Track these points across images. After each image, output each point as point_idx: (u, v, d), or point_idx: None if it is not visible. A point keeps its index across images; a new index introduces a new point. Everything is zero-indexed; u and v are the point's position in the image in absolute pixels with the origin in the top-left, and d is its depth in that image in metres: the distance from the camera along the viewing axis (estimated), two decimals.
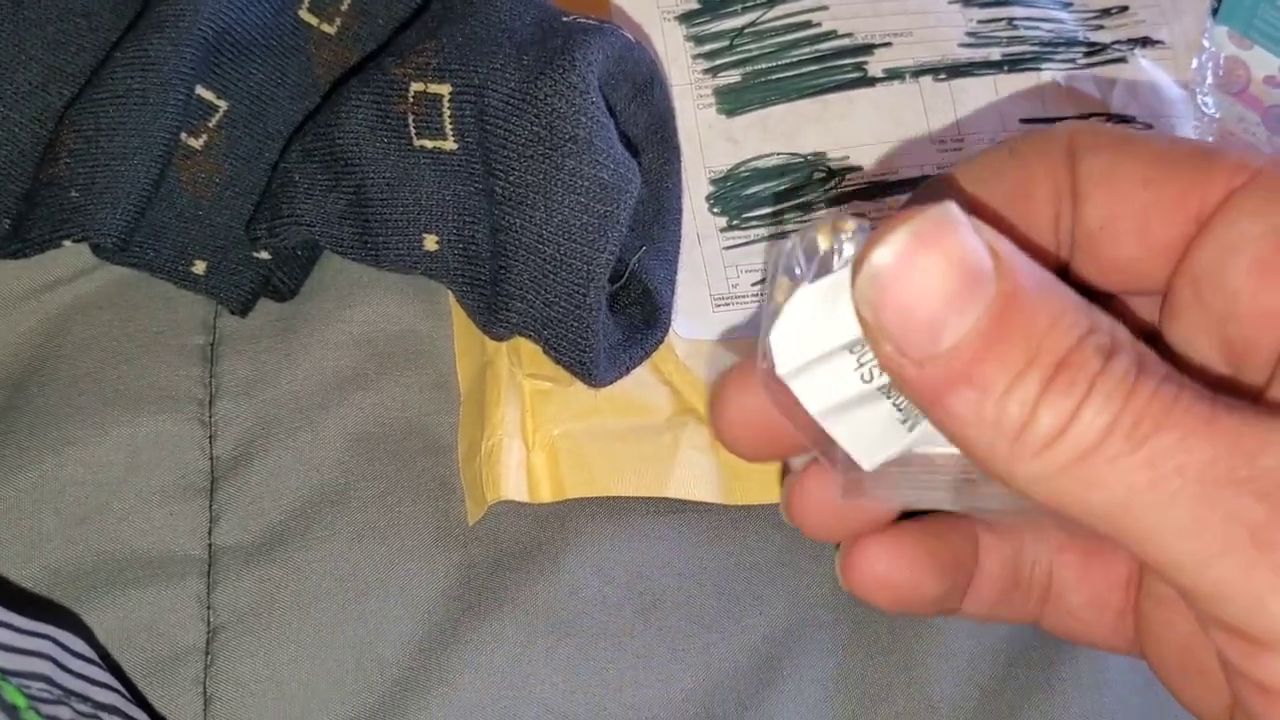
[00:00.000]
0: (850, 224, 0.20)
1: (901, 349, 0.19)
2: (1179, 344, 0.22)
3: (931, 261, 0.18)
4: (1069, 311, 0.18)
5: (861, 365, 0.21)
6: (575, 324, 0.32)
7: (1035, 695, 0.35)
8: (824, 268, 0.20)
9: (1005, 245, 0.19)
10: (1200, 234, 0.21)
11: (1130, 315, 0.23)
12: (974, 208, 0.21)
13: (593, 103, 0.31)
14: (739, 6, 0.40)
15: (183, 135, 0.35)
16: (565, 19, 0.33)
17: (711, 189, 0.38)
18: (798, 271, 0.21)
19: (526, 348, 0.35)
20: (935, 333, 0.18)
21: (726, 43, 0.40)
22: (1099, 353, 0.18)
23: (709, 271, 0.37)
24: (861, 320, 0.19)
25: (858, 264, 0.19)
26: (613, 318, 0.34)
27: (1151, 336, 0.23)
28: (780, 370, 0.20)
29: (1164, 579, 0.19)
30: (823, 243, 0.20)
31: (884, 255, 0.18)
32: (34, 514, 0.34)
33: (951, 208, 0.18)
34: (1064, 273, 0.23)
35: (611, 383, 0.34)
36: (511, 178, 0.31)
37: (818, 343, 0.20)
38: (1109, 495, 0.18)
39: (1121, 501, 0.18)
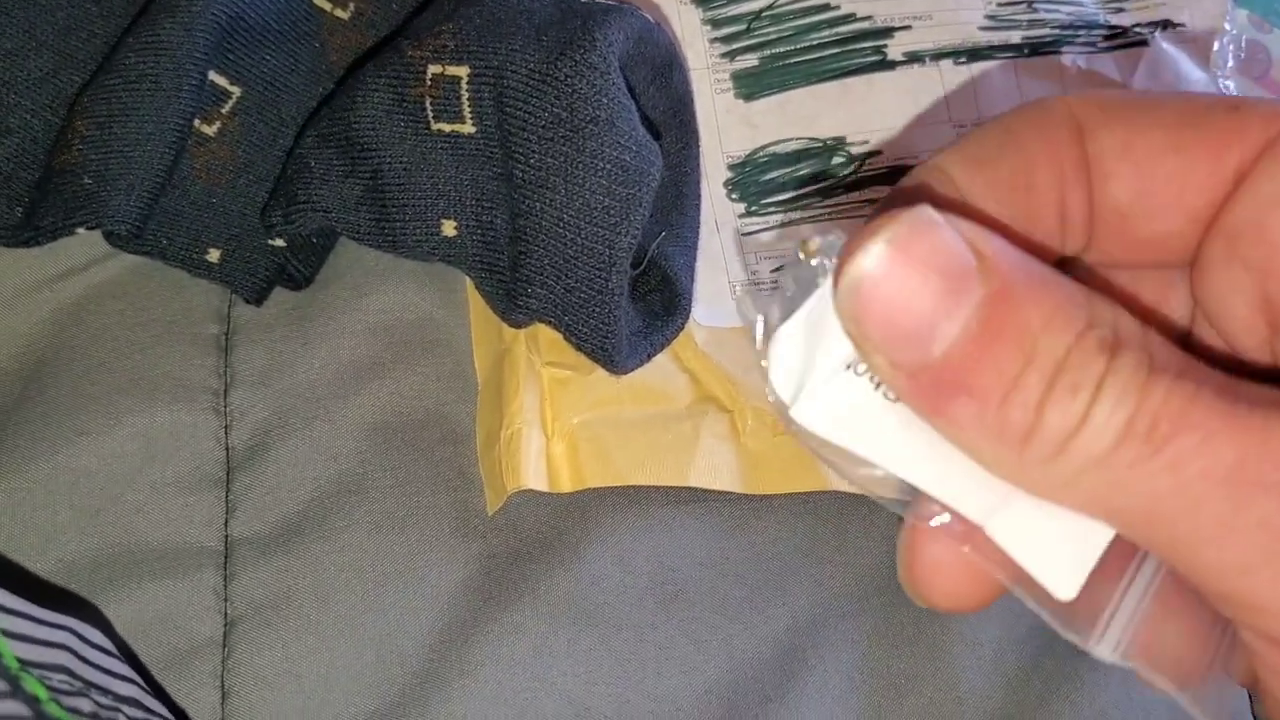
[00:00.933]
0: (815, 242, 0.19)
1: (892, 361, 0.18)
2: (1212, 305, 0.21)
3: (910, 267, 0.18)
4: (1065, 306, 0.18)
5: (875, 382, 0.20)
6: (597, 309, 0.32)
7: (1063, 686, 0.35)
8: (806, 293, 0.20)
9: (990, 242, 0.18)
10: (1236, 190, 0.20)
11: (1138, 302, 0.23)
12: (951, 204, 0.20)
13: (614, 83, 0.31)
14: None
15: (196, 121, 0.35)
16: (585, 1, 0.33)
17: (730, 175, 0.39)
18: (777, 313, 0.20)
19: (545, 335, 0.35)
20: (924, 341, 0.18)
21: (744, 26, 0.40)
22: (1102, 349, 0.17)
23: (727, 258, 0.38)
24: (849, 335, 0.19)
25: (836, 278, 0.18)
26: (633, 305, 0.34)
27: (1163, 324, 0.22)
28: (793, 409, 0.19)
29: (1195, 587, 0.18)
30: (791, 280, 0.19)
31: (861, 265, 0.18)
32: (48, 506, 0.34)
33: (925, 210, 0.18)
34: (1066, 264, 0.22)
35: (632, 370, 0.34)
36: (531, 161, 0.32)
37: (819, 367, 0.19)
38: (1132, 502, 0.17)
39: (1146, 508, 0.17)
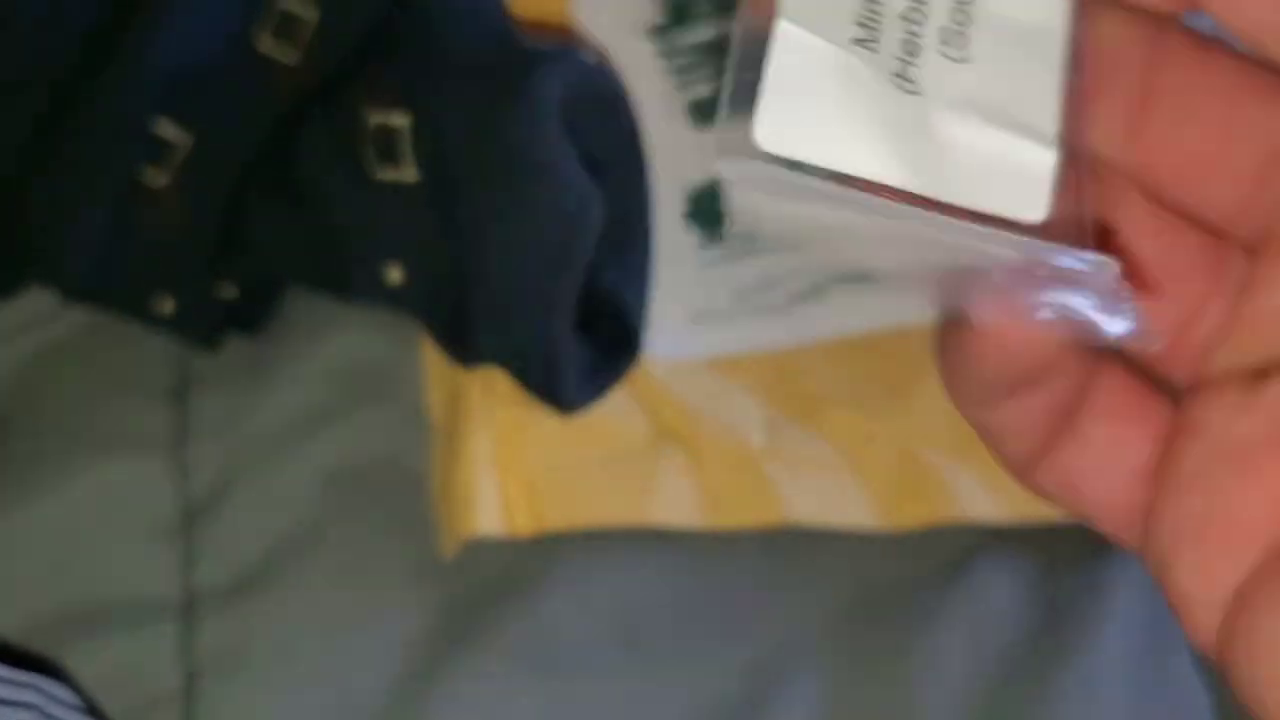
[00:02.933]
0: None
1: None
2: None
3: None
4: None
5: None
6: (541, 352, 0.34)
7: (1029, 711, 0.37)
8: None
9: None
10: None
11: None
12: None
13: (553, 131, 0.33)
14: (707, 19, 0.42)
15: (145, 172, 0.37)
16: (526, 45, 0.35)
17: (686, 206, 0.40)
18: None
19: (500, 377, 0.37)
20: None
21: (696, 56, 0.42)
22: None
23: (686, 288, 0.39)
24: None
25: None
26: (584, 341, 0.36)
27: None
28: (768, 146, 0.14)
29: None
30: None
31: None
32: (7, 563, 0.36)
33: None
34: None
35: (583, 408, 0.36)
36: (473, 208, 0.34)
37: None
38: None
39: None
